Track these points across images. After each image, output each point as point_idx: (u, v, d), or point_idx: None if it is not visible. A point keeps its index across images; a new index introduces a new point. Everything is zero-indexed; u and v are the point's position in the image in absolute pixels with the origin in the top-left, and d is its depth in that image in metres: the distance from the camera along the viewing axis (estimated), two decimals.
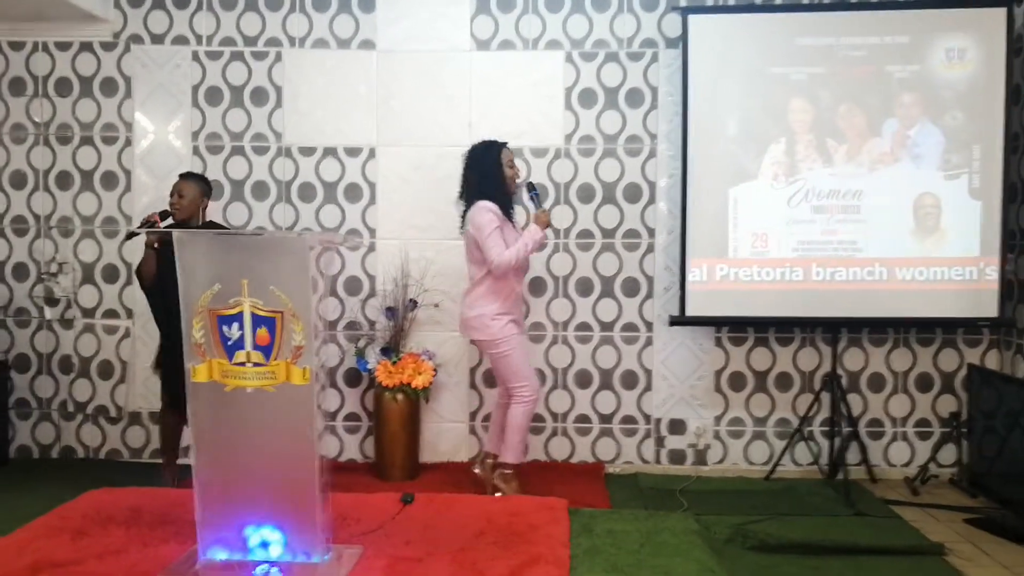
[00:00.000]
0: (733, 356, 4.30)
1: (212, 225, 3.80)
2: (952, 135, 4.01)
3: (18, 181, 4.37)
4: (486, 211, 3.52)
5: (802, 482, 4.09)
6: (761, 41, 4.07)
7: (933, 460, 4.11)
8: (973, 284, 4.01)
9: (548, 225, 3.66)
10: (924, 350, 4.26)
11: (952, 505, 3.75)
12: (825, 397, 4.17)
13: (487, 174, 3.60)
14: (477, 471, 3.81)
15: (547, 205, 3.98)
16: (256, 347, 2.53)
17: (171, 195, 3.70)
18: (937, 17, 4.00)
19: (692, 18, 4.07)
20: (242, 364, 2.54)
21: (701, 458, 4.31)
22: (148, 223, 3.65)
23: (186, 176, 3.78)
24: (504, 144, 3.70)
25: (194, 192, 3.70)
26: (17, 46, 4.33)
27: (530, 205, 3.72)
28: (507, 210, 3.63)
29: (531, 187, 3.73)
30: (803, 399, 4.26)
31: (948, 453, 4.14)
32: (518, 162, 4.26)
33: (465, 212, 3.66)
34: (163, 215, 3.69)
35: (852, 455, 4.10)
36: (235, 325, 2.54)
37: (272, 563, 2.57)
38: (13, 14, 4.17)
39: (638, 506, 3.67)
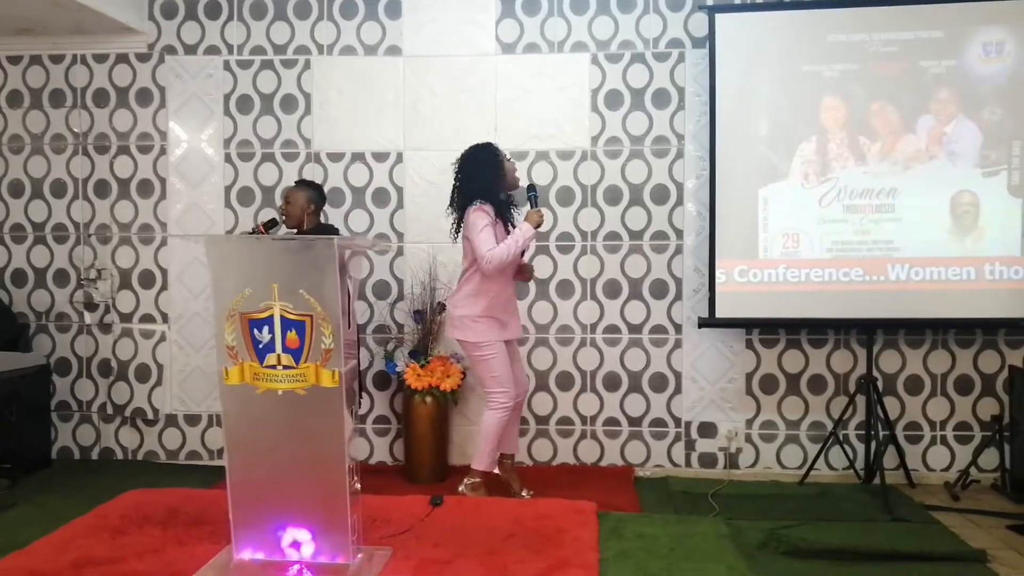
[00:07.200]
0: (764, 358, 4.25)
1: (319, 230, 3.88)
2: (990, 131, 3.92)
3: (58, 190, 4.49)
4: (480, 209, 3.44)
5: (837, 486, 4.02)
6: (791, 38, 4.02)
7: (974, 464, 4.02)
8: (1014, 283, 3.91)
9: (539, 225, 3.52)
10: (963, 352, 4.17)
11: (994, 511, 3.65)
12: (860, 400, 4.09)
13: (488, 173, 3.51)
14: (498, 472, 3.72)
15: (573, 207, 3.99)
16: (286, 350, 2.57)
17: (281, 202, 3.96)
18: (973, 10, 3.92)
19: (719, 17, 4.04)
20: (273, 367, 2.57)
21: (732, 462, 4.26)
22: (254, 231, 3.91)
23: (297, 183, 3.97)
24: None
25: (301, 199, 3.86)
26: (57, 59, 4.45)
27: (527, 207, 3.59)
28: (504, 212, 3.55)
29: (531, 188, 3.61)
30: (837, 402, 4.19)
31: (990, 457, 4.04)
32: (544, 165, 4.29)
33: (459, 219, 3.57)
34: (269, 224, 3.86)
35: (889, 459, 4.01)
36: (265, 328, 2.57)
37: (303, 563, 2.60)
38: (54, 28, 4.29)
39: (668, 510, 3.64)
